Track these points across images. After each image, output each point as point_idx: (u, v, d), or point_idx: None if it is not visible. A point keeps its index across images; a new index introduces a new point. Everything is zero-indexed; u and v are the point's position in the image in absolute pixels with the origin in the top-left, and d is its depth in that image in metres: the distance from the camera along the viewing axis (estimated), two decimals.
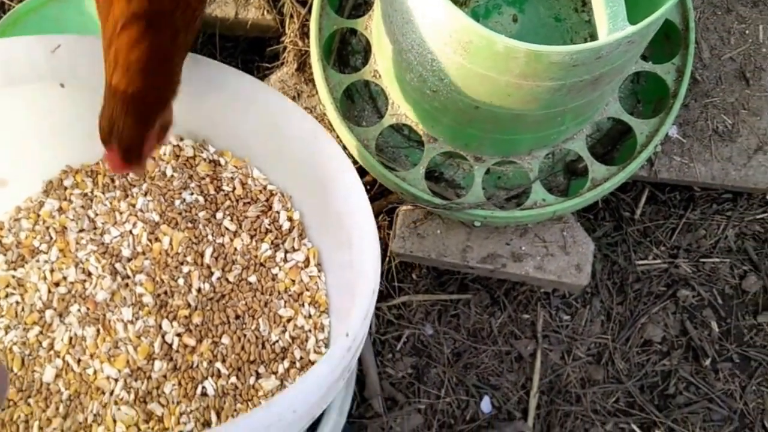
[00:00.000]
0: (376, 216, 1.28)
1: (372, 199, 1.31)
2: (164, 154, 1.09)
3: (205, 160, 1.09)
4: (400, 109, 1.19)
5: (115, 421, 0.95)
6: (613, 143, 1.27)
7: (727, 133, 1.30)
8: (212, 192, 1.08)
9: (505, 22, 1.20)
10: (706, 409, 1.33)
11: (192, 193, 1.08)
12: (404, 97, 1.15)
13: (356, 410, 1.31)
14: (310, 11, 1.27)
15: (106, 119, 0.87)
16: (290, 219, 1.08)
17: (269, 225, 1.08)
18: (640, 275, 1.39)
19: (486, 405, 1.34)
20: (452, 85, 0.96)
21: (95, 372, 0.98)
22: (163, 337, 1.00)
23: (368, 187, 1.31)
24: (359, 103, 1.30)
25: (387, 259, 1.32)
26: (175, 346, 1.00)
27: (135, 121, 0.86)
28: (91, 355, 0.98)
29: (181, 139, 1.10)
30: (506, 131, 1.07)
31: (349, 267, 0.96)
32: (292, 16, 1.30)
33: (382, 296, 1.35)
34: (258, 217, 1.08)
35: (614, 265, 1.39)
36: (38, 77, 0.97)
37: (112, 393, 0.96)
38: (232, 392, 0.98)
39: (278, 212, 1.08)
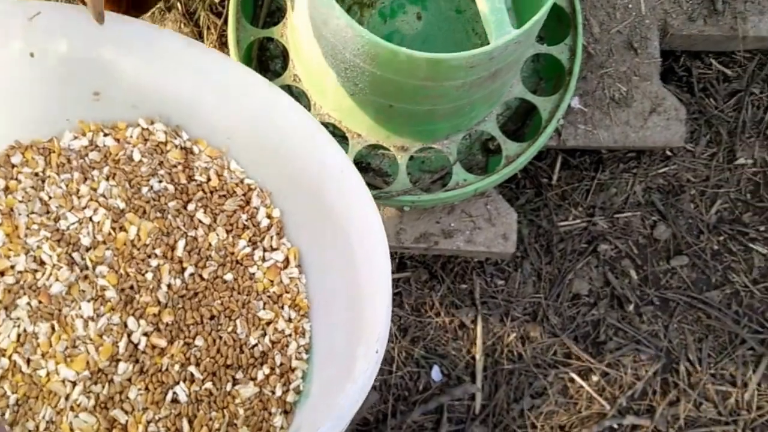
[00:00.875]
0: None
1: None
2: (131, 137, 1.02)
3: (177, 146, 1.01)
4: (323, 109, 1.28)
5: (72, 430, 0.86)
6: (522, 120, 1.39)
7: (623, 100, 1.43)
8: (183, 181, 1.00)
9: (410, 20, 1.30)
10: (635, 351, 1.47)
11: (161, 181, 0.99)
12: (325, 98, 1.25)
13: None
14: (226, 22, 1.35)
15: None
16: (269, 216, 1.02)
17: (247, 221, 1.01)
18: (563, 236, 1.52)
19: (436, 374, 1.45)
20: (367, 89, 1.06)
21: (48, 374, 0.87)
22: (128, 336, 0.91)
23: None
24: None
25: None
26: (142, 347, 0.92)
27: None
28: (44, 355, 0.88)
29: (152, 123, 1.03)
30: (422, 123, 1.18)
31: (343, 269, 0.91)
32: (209, 28, 1.38)
33: None
34: (235, 211, 1.01)
35: (539, 229, 1.52)
36: (7, 43, 0.91)
37: (68, 398, 0.87)
38: (206, 399, 0.92)
39: (257, 208, 1.02)
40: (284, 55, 1.38)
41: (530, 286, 1.50)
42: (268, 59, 1.40)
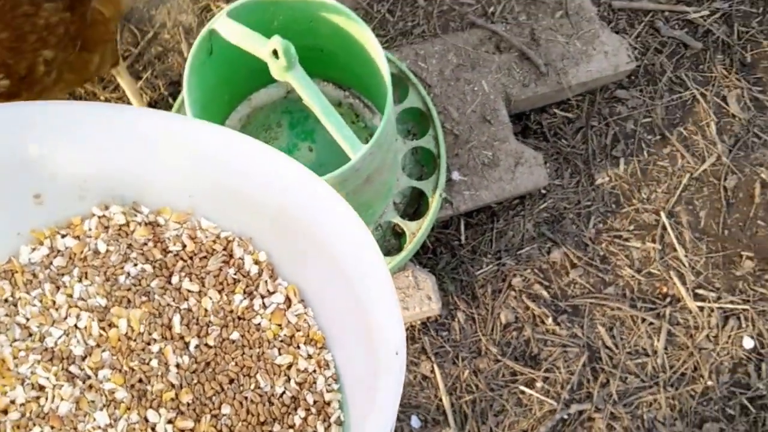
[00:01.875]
0: None
1: None
2: (90, 230, 0.96)
3: (140, 223, 0.97)
4: None
5: None
6: (417, 202, 1.76)
7: (491, 162, 1.82)
8: (159, 256, 0.96)
9: (304, 154, 1.67)
10: (564, 353, 1.82)
11: (136, 264, 0.95)
12: None
13: None
14: None
15: None
16: (257, 262, 0.97)
17: (235, 274, 0.96)
18: (482, 281, 1.87)
19: (415, 422, 1.77)
20: None
21: None
22: (153, 429, 0.87)
23: None
24: None
25: None
26: None
27: None
28: None
29: (107, 208, 0.97)
30: None
31: (345, 291, 0.86)
32: None
33: None
34: (220, 269, 0.96)
35: (462, 282, 1.87)
36: None
37: None
38: None
39: (241, 258, 0.97)
40: None
41: (468, 328, 1.84)
42: None
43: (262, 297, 0.96)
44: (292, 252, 0.95)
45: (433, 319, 1.83)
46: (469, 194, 1.80)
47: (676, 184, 1.92)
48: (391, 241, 1.74)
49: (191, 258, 0.96)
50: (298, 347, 0.95)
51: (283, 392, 0.92)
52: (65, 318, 0.93)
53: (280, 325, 0.95)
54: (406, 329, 1.81)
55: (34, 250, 0.96)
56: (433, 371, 1.80)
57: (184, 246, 0.97)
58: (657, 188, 1.92)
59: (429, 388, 1.79)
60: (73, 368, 0.90)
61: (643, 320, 1.84)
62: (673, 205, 1.91)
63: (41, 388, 0.90)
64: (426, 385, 1.79)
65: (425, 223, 1.64)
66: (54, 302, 0.93)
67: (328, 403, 0.92)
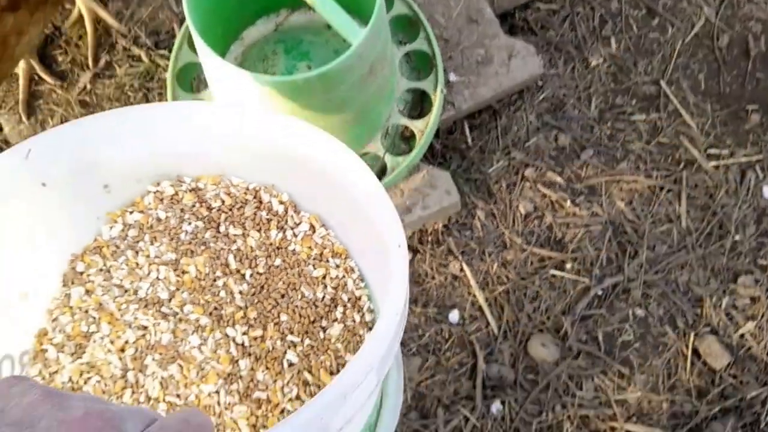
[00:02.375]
0: None
1: None
2: (150, 204, 1.21)
3: (186, 191, 1.21)
4: None
5: (234, 421, 1.08)
6: (420, 105, 1.80)
7: (484, 59, 1.85)
8: (206, 213, 1.21)
9: (302, 71, 1.71)
10: (587, 233, 1.84)
11: (190, 223, 1.20)
12: None
13: None
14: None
15: None
16: (281, 202, 1.20)
17: (267, 215, 1.20)
18: (495, 178, 1.90)
19: (453, 317, 1.80)
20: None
21: (197, 396, 1.10)
22: (233, 340, 1.13)
23: None
24: None
25: None
26: (247, 343, 1.13)
27: None
28: (185, 386, 1.10)
29: (158, 184, 1.22)
30: (348, 131, 1.57)
31: (353, 211, 1.06)
32: None
33: None
34: (255, 213, 1.20)
35: (476, 182, 1.90)
36: (21, 187, 1.07)
37: (219, 403, 1.09)
38: (310, 351, 1.12)
39: (269, 202, 1.20)
40: None
41: (490, 224, 1.87)
42: None
43: (292, 228, 1.20)
44: (308, 190, 1.18)
45: (454, 220, 1.87)
46: (468, 93, 1.84)
47: (670, 52, 1.94)
48: (401, 146, 1.78)
49: (231, 209, 1.21)
50: (327, 261, 1.19)
51: (323, 296, 1.16)
52: (148, 274, 1.18)
53: (310, 247, 1.20)
54: (430, 233, 1.84)
55: (111, 228, 1.21)
56: (462, 270, 1.83)
57: (223, 201, 1.21)
58: (652, 60, 1.95)
59: (461, 287, 1.82)
60: (164, 309, 1.16)
61: (661, 188, 1.86)
62: (670, 73, 1.93)
63: (144, 327, 1.15)
64: (458, 284, 1.83)
65: (431, 119, 1.67)
66: (137, 264, 1.19)
67: (359, 298, 1.17)
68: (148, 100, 1.78)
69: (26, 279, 1.15)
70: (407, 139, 1.79)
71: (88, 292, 1.18)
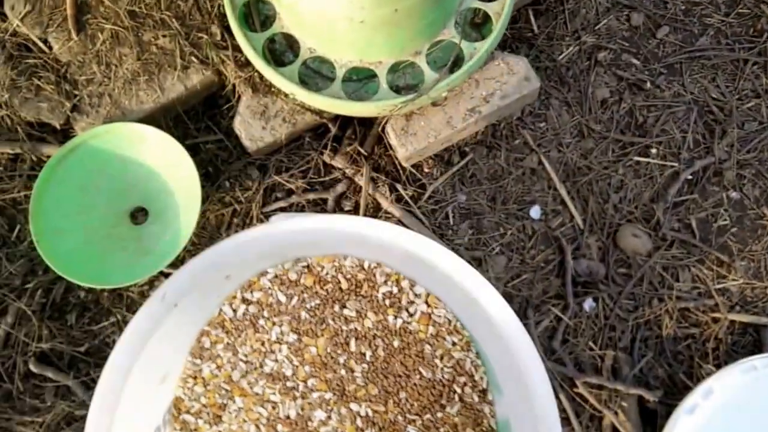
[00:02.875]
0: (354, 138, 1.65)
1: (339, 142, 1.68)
2: (269, 284, 1.29)
3: (302, 272, 1.29)
4: (306, 44, 1.56)
5: None
6: None
7: None
8: (322, 293, 1.28)
9: None
10: (671, 114, 1.74)
11: (309, 303, 1.28)
12: (311, 35, 1.53)
13: None
14: (237, 50, 1.63)
15: None
16: (397, 282, 1.27)
17: (383, 295, 1.27)
18: (566, 65, 1.79)
19: (534, 212, 1.71)
20: (369, 6, 1.34)
21: None
22: (357, 414, 1.23)
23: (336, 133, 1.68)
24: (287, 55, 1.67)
25: (401, 170, 1.69)
26: (371, 415, 1.23)
27: None
28: None
29: (278, 266, 1.29)
30: (425, 17, 1.46)
31: (463, 296, 1.11)
32: (223, 60, 1.65)
33: (417, 199, 1.70)
34: (371, 294, 1.27)
35: (546, 70, 1.79)
36: (160, 320, 1.15)
37: None
38: (431, 426, 1.21)
39: (384, 281, 1.28)
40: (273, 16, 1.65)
41: (565, 114, 1.77)
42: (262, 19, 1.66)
43: (407, 308, 1.27)
44: (420, 272, 1.24)
45: (528, 111, 1.76)
46: None
47: None
48: (472, 34, 1.66)
49: (349, 291, 1.28)
50: (444, 339, 1.25)
51: (442, 376, 1.24)
52: (273, 352, 1.27)
53: (427, 325, 1.26)
54: (503, 126, 1.74)
55: (233, 306, 1.30)
56: (540, 162, 1.73)
57: (339, 282, 1.28)
58: None
59: (540, 181, 1.73)
60: (289, 383, 1.25)
61: (746, 62, 1.75)
62: None
63: (272, 401, 1.26)
64: (536, 178, 1.73)
65: (508, 1, 1.55)
66: (260, 341, 1.27)
67: (477, 375, 1.24)
68: (198, 7, 1.65)
69: (164, 364, 1.25)
70: (477, 26, 1.67)
71: (218, 366, 1.28)
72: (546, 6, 1.82)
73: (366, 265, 1.28)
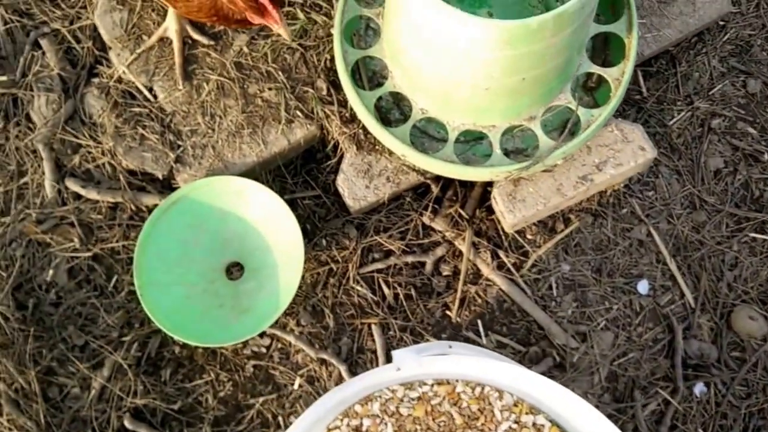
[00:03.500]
0: (480, 205, 1.61)
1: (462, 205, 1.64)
2: (380, 415, 1.22)
3: (411, 403, 1.23)
4: (418, 105, 1.53)
5: None
6: (603, 52, 1.63)
7: None
8: (434, 426, 1.21)
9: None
10: None
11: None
12: (425, 97, 1.50)
13: (557, 362, 1.59)
14: (342, 105, 1.61)
15: None
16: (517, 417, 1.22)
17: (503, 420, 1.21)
18: (678, 131, 1.73)
19: (642, 288, 1.64)
20: (498, 77, 1.31)
21: None
22: None
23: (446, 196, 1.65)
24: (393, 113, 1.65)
25: (503, 236, 1.64)
26: None
27: None
28: None
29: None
30: (547, 84, 1.42)
31: None
32: (328, 116, 1.63)
33: (519, 266, 1.65)
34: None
35: (656, 135, 1.73)
36: None
37: None
38: None
39: (504, 416, 1.21)
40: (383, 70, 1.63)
41: (675, 183, 1.70)
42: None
43: None
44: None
45: (636, 179, 1.70)
46: (651, 36, 1.66)
47: None
48: (584, 98, 1.62)
49: (461, 424, 1.22)
50: None
51: None
52: None
53: None
54: (610, 194, 1.68)
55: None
56: (649, 234, 1.67)
57: (452, 417, 1.22)
58: None
59: (649, 253, 1.66)
60: None
61: None
62: None
63: None
64: (644, 250, 1.66)
65: (629, 65, 1.50)
66: None
67: None
68: (305, 61, 1.63)
69: None
70: (590, 89, 1.62)
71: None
72: (657, 68, 1.77)
73: (480, 391, 1.21)
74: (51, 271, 1.65)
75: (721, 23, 1.77)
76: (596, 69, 1.53)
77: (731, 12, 1.76)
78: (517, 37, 1.21)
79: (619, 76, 1.52)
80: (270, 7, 1.31)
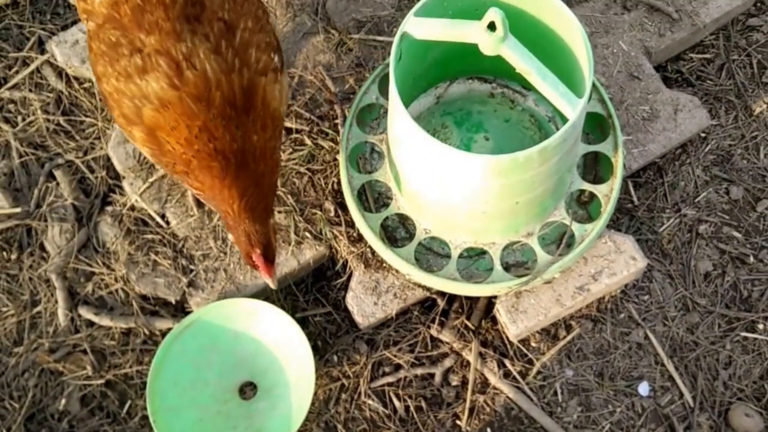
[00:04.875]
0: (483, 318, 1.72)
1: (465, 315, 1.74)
2: None
3: None
4: (422, 225, 1.66)
5: None
6: (593, 169, 1.78)
7: (650, 115, 1.83)
8: None
9: (482, 144, 1.71)
10: None
11: None
12: (427, 218, 1.64)
13: None
14: (350, 225, 1.72)
15: (243, 235, 1.44)
16: None
17: None
18: (668, 237, 1.86)
19: (643, 389, 1.75)
20: (492, 202, 1.45)
21: None
22: None
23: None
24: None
25: (508, 345, 1.75)
26: None
27: (261, 224, 1.44)
28: None
29: None
30: (540, 204, 1.56)
31: None
32: (336, 236, 1.74)
33: (525, 374, 1.75)
34: None
35: (647, 242, 1.86)
36: None
37: None
38: None
39: None
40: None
41: (668, 287, 1.83)
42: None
43: None
44: None
45: (631, 284, 1.82)
46: (637, 152, 1.82)
47: None
48: (578, 212, 1.75)
49: None
50: None
51: None
52: None
53: None
54: (608, 300, 1.80)
55: None
56: (647, 337, 1.79)
57: None
58: None
59: (647, 355, 1.77)
60: None
61: None
62: None
63: None
64: (643, 353, 1.78)
65: (616, 182, 1.65)
66: None
67: None
68: (313, 184, 1.76)
69: None
70: (584, 204, 1.76)
71: None
72: (645, 179, 1.91)
73: None
74: (63, 400, 1.72)
75: (703, 135, 1.94)
76: (587, 186, 1.67)
77: (711, 125, 1.93)
78: (507, 168, 1.37)
79: (608, 192, 1.66)
80: (261, 267, 1.50)
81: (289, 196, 1.76)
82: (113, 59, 1.40)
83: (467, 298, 1.79)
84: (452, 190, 1.48)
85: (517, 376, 1.75)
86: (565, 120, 1.35)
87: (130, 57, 1.38)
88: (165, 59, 1.36)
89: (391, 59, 1.38)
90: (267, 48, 1.47)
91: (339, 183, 1.75)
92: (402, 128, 1.42)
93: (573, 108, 1.34)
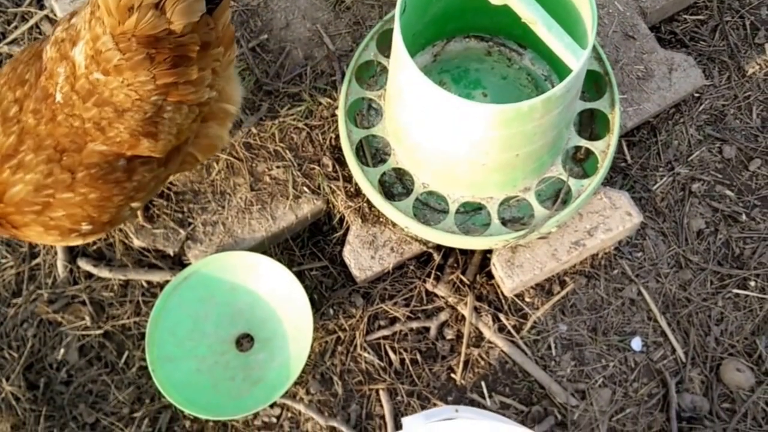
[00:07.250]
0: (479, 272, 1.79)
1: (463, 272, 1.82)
2: None
3: None
4: (420, 179, 1.72)
5: None
6: (589, 126, 1.84)
7: (645, 74, 1.90)
8: None
9: (481, 99, 1.77)
10: (767, 248, 1.88)
11: None
12: (426, 174, 1.70)
13: (558, 421, 1.75)
14: (347, 180, 1.79)
15: None
16: None
17: None
18: (661, 195, 1.94)
19: (636, 344, 1.83)
20: (493, 155, 1.51)
21: None
22: None
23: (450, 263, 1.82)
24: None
25: (503, 299, 1.82)
26: None
27: None
28: None
29: None
30: (538, 159, 1.62)
31: None
32: (334, 191, 1.81)
33: (519, 328, 1.82)
34: None
35: (641, 200, 1.93)
36: None
37: None
38: None
39: None
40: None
41: (661, 244, 1.90)
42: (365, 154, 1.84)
43: None
44: None
45: (625, 242, 1.90)
46: (632, 110, 1.88)
47: None
48: (574, 169, 1.82)
49: None
50: None
51: None
52: None
53: None
54: (602, 256, 1.87)
55: None
56: (640, 293, 1.86)
57: None
58: None
59: (640, 311, 1.85)
60: None
61: None
62: None
63: None
64: (636, 309, 1.85)
65: (613, 138, 1.71)
66: None
67: None
68: (311, 139, 1.82)
69: None
70: (580, 161, 1.83)
71: None
72: (639, 138, 1.98)
73: None
74: (62, 350, 1.78)
75: (696, 95, 2.01)
76: (584, 143, 1.74)
77: (705, 85, 2.00)
78: (510, 118, 1.42)
79: (604, 149, 1.73)
80: None
81: (287, 152, 1.82)
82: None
83: (462, 253, 1.86)
84: (454, 141, 1.54)
85: (512, 331, 1.82)
86: (561, 78, 1.42)
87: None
88: None
89: (396, 11, 1.44)
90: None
91: (337, 138, 1.81)
92: (406, 79, 1.48)
93: (577, 59, 1.40)
